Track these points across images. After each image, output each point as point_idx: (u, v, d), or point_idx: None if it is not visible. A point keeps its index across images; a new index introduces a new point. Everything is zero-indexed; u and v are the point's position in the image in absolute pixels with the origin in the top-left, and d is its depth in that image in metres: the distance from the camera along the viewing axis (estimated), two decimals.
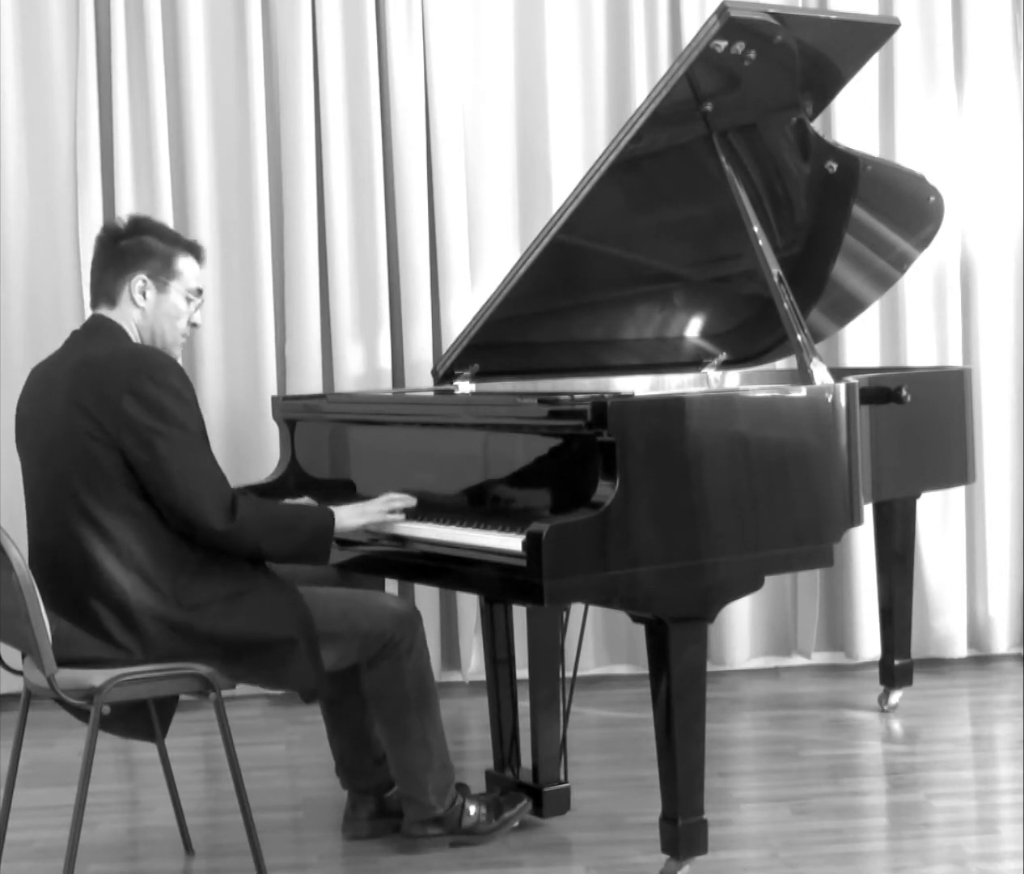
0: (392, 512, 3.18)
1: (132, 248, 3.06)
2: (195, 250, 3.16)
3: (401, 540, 3.17)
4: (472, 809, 3.32)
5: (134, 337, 3.06)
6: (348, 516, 3.13)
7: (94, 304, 3.10)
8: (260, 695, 4.66)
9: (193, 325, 3.15)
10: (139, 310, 3.05)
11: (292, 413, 3.76)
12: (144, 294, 3.05)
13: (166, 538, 2.93)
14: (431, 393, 4.04)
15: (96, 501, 2.89)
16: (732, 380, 4.46)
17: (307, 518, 3.12)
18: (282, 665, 2.98)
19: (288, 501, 3.35)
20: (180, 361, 3.13)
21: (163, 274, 3.07)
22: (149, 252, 3.06)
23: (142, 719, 3.17)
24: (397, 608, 3.21)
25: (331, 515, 3.09)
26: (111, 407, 2.87)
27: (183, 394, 2.93)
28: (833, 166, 3.76)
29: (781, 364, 4.42)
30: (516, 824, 3.40)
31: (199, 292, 3.15)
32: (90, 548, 2.88)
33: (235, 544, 2.96)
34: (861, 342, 4.84)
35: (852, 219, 3.93)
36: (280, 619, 2.98)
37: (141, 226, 3.12)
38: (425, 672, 3.23)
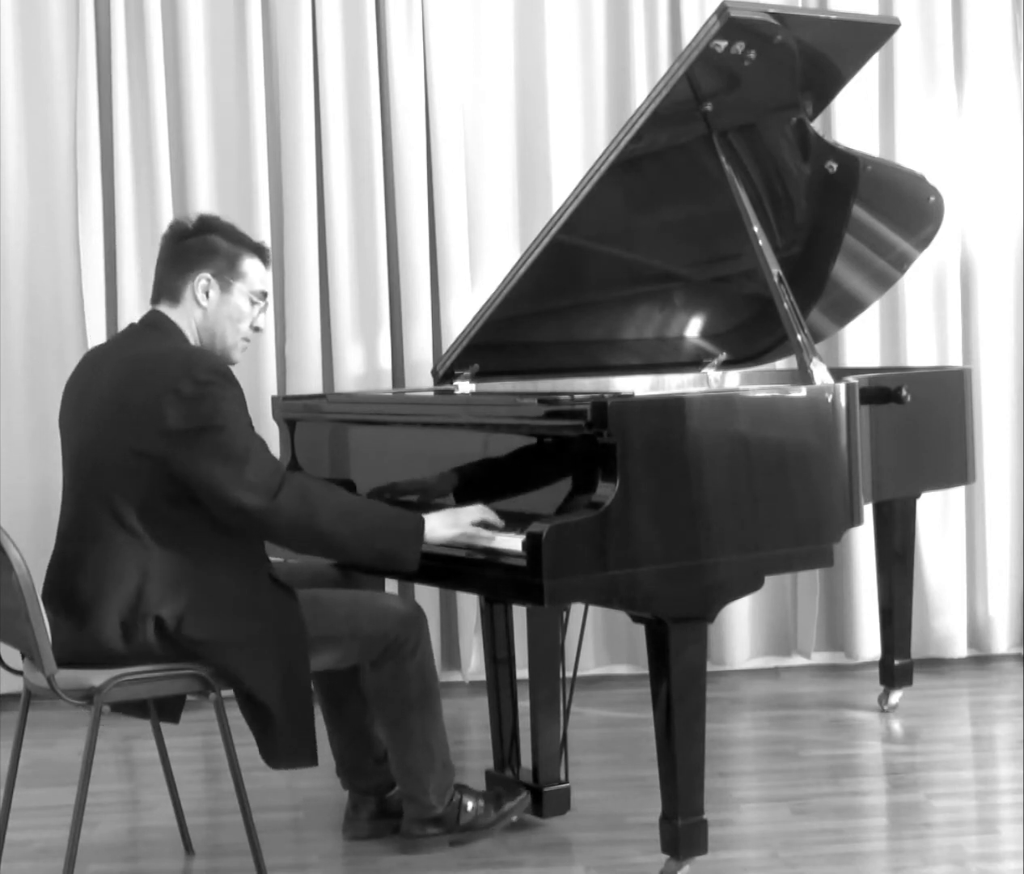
0: (485, 526, 3.00)
1: (197, 246, 3.04)
2: (261, 252, 3.13)
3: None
4: (469, 805, 3.31)
5: (192, 337, 3.03)
6: (440, 526, 2.98)
7: (155, 300, 3.08)
8: None
9: (256, 329, 3.12)
10: (201, 310, 3.03)
11: (292, 413, 3.76)
12: (207, 293, 3.03)
13: (184, 560, 2.89)
14: (431, 393, 4.04)
15: (126, 503, 2.87)
16: (732, 380, 4.46)
17: (388, 517, 3.01)
18: (257, 726, 2.96)
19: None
20: (239, 364, 3.07)
21: (228, 274, 3.04)
22: (214, 251, 3.04)
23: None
24: (401, 609, 3.19)
25: (421, 520, 2.96)
26: (150, 412, 2.84)
27: (226, 391, 2.89)
28: (833, 166, 3.76)
29: (781, 364, 4.41)
30: (515, 818, 3.39)
31: (264, 295, 3.12)
32: (113, 549, 2.86)
33: (283, 525, 2.88)
34: (861, 342, 4.84)
35: (852, 219, 3.93)
36: (268, 689, 2.92)
37: (208, 225, 3.10)
38: (428, 673, 3.22)
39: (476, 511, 3.03)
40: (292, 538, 2.97)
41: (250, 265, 3.08)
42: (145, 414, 2.85)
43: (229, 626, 2.91)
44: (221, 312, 3.05)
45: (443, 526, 2.99)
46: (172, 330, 3.01)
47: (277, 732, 2.94)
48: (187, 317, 3.04)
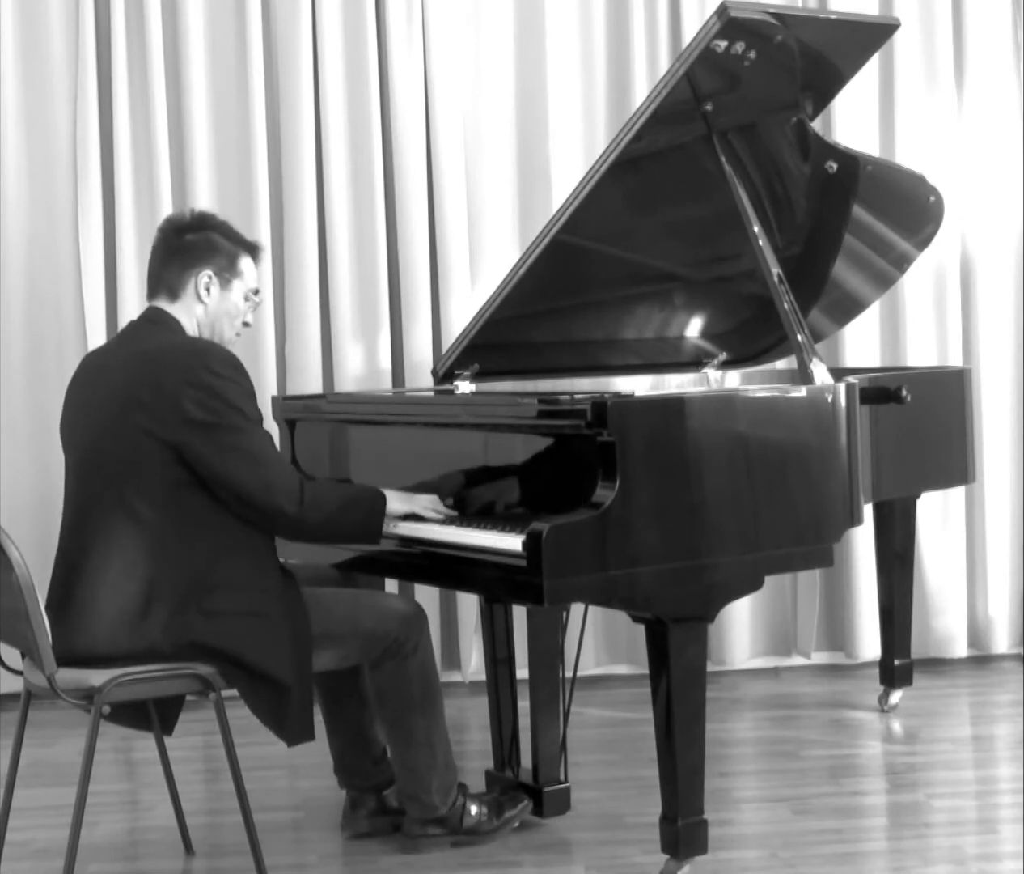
0: (436, 512, 3.16)
1: (199, 243, 3.08)
2: (255, 251, 3.19)
3: (418, 541, 3.14)
4: (473, 809, 3.32)
5: (192, 332, 3.07)
6: (396, 499, 3.13)
7: (152, 295, 3.10)
8: None
9: (246, 324, 3.17)
10: (202, 306, 3.07)
11: (292, 413, 3.76)
12: (208, 290, 3.07)
13: (206, 536, 2.93)
14: (431, 393, 4.04)
15: (139, 493, 2.89)
16: (732, 380, 4.46)
17: (365, 497, 3.10)
18: (270, 705, 2.97)
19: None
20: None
21: (228, 272, 3.09)
22: (216, 248, 3.08)
23: (147, 710, 3.18)
24: (401, 608, 3.21)
25: (383, 496, 3.09)
26: (169, 401, 2.87)
27: (241, 383, 2.94)
28: (833, 166, 3.76)
29: (781, 364, 4.41)
30: (517, 824, 3.40)
31: (257, 292, 3.18)
32: (123, 540, 2.88)
33: (306, 526, 2.98)
34: (861, 342, 4.84)
35: (852, 219, 3.93)
36: (282, 661, 2.95)
37: (207, 222, 3.14)
38: (430, 671, 3.23)
39: (429, 499, 3.17)
40: (312, 536, 3.07)
41: (246, 264, 3.15)
42: (162, 403, 2.88)
43: (243, 602, 2.94)
44: (221, 308, 3.09)
45: (398, 501, 3.13)
46: (174, 325, 3.05)
47: (292, 707, 2.96)
48: (187, 312, 3.06)
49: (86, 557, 2.92)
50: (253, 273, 3.16)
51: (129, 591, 2.88)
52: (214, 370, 2.90)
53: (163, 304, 3.07)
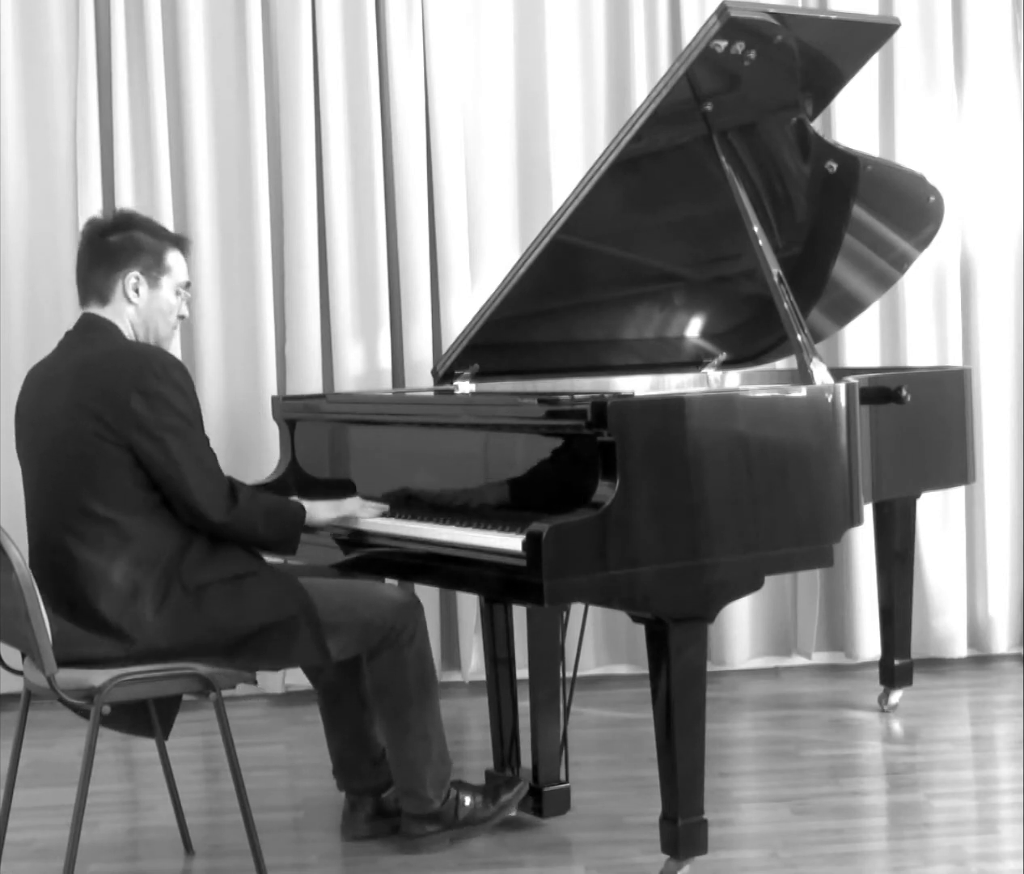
0: (364, 509, 3.26)
1: (124, 244, 3.06)
2: (182, 244, 3.17)
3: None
4: (467, 800, 3.32)
5: (128, 334, 3.06)
6: (322, 509, 3.21)
7: (83, 301, 3.09)
8: (260, 695, 4.66)
9: (181, 317, 3.17)
10: (133, 307, 3.06)
11: (292, 413, 3.77)
12: (137, 290, 3.06)
13: (173, 523, 2.96)
14: (431, 393, 4.04)
15: (100, 498, 2.90)
16: (732, 380, 4.46)
17: (287, 511, 3.15)
18: (286, 645, 3.01)
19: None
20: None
21: (155, 270, 3.08)
22: (140, 248, 3.07)
23: (145, 715, 3.18)
24: (398, 597, 3.23)
25: (303, 510, 3.15)
26: (119, 406, 2.89)
27: (185, 389, 2.97)
28: (833, 166, 3.76)
29: (781, 364, 4.42)
30: (514, 812, 3.39)
31: (187, 285, 3.17)
32: (94, 544, 2.89)
33: (235, 532, 3.01)
34: (861, 342, 4.84)
35: (852, 219, 3.93)
36: (281, 602, 3.00)
37: (130, 221, 3.13)
38: (426, 661, 3.24)
39: (354, 502, 3.29)
40: (236, 539, 3.05)
41: (174, 258, 3.13)
42: (112, 408, 2.89)
43: (224, 569, 2.99)
44: (152, 307, 3.09)
45: (326, 510, 3.24)
46: (111, 330, 3.05)
47: (301, 631, 3.01)
48: (120, 315, 3.07)
49: (63, 566, 2.92)
50: (182, 266, 3.14)
51: (111, 592, 2.88)
52: (159, 375, 2.92)
53: (95, 309, 3.07)
